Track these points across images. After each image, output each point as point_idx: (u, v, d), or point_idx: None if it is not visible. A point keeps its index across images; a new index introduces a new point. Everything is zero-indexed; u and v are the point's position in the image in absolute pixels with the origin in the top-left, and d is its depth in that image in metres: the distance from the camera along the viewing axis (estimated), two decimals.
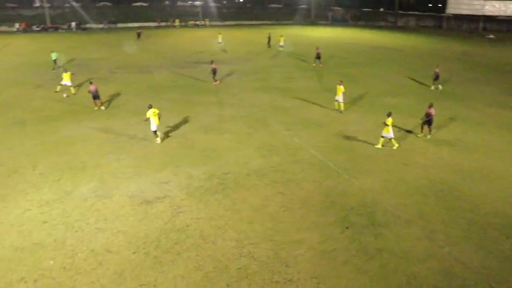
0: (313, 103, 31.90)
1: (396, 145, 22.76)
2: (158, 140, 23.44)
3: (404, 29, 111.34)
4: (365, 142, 23.62)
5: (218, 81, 38.78)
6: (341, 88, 28.67)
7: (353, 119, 28.05)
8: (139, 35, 74.17)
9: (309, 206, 16.69)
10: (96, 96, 29.64)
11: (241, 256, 13.61)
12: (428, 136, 24.46)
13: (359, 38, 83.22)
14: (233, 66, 48.09)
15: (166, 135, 24.56)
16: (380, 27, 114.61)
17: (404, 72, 45.76)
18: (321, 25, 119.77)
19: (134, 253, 13.70)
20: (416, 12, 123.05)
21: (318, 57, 48.34)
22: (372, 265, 13.18)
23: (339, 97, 29.07)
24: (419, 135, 24.63)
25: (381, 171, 20.00)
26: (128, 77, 41.77)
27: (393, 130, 22.37)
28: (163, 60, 52.78)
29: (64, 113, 29.01)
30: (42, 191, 17.76)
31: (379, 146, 22.78)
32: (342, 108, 29.63)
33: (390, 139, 22.46)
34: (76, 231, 14.85)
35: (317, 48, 49.26)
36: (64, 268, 12.92)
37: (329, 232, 14.99)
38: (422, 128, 24.70)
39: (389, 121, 21.96)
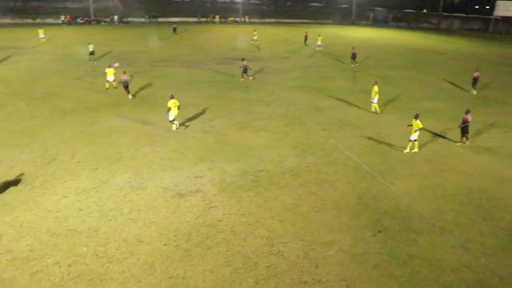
0: (350, 104, 31.57)
1: (407, 150, 22.31)
2: (174, 127, 24.78)
3: (447, 31, 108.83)
4: (402, 145, 23.18)
5: (251, 77, 39.31)
6: (374, 89, 28.57)
7: (390, 121, 27.61)
8: (174, 30, 75.67)
9: (341, 208, 16.54)
10: (126, 86, 30.74)
11: (271, 254, 13.61)
12: (467, 143, 23.79)
13: (399, 39, 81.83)
14: (271, 64, 48.10)
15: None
16: (422, 29, 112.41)
17: (445, 75, 44.71)
18: (361, 25, 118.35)
19: (165, 245, 13.90)
20: (461, 14, 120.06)
21: (353, 57, 48.42)
22: (403, 271, 12.96)
23: (374, 98, 28.89)
24: (457, 144, 23.94)
25: (417, 176, 19.62)
26: (168, 71, 42.39)
27: (419, 134, 21.91)
28: (202, 55, 53.25)
29: (104, 104, 29.68)
30: (79, 179, 18.22)
31: (416, 150, 22.38)
32: (378, 109, 29.41)
33: (409, 140, 22.12)
34: (110, 220, 15.18)
35: (353, 48, 49.28)
36: (96, 255, 13.23)
37: (361, 235, 14.82)
38: (461, 136, 23.88)
39: (417, 124, 21.47)
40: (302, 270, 12.86)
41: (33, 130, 24.00)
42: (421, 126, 21.47)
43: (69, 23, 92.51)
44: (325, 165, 20.53)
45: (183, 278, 12.36)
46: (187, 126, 25.35)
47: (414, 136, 21.73)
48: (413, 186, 18.61)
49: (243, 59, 39.40)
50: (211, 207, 16.32)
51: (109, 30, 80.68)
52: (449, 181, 19.28)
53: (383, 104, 31.02)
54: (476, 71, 36.84)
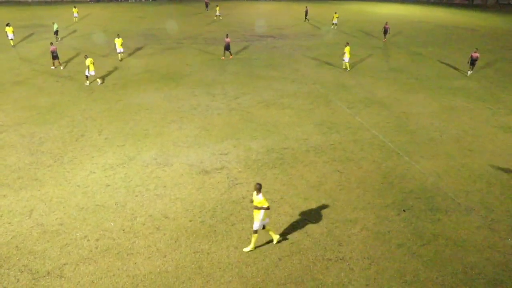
0: (378, 82, 31.10)
1: None
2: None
3: (482, 7, 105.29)
4: (429, 124, 22.82)
5: (231, 56, 38.68)
6: (348, 49, 33.12)
7: (417, 100, 27.13)
8: (206, 5, 76.18)
9: (366, 186, 16.47)
10: (55, 57, 32.09)
11: (295, 231, 13.69)
12: None
13: (430, 16, 79.65)
14: (297, 41, 47.62)
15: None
16: (454, 5, 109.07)
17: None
18: (391, 1, 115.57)
19: (190, 220, 14.10)
20: None
21: (385, 32, 48.75)
22: (427, 250, 12.88)
23: (346, 58, 33.55)
24: None
25: (443, 156, 19.33)
26: (194, 48, 42.43)
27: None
28: (228, 32, 52.89)
29: (130, 81, 29.97)
30: (107, 155, 18.57)
31: (250, 248, 12.74)
32: (348, 67, 34.28)
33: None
34: (137, 196, 15.47)
35: (386, 23, 49.27)
36: (123, 230, 13.53)
37: (385, 213, 14.76)
38: None
39: (260, 202, 11.97)
40: (325, 248, 12.91)
41: (61, 107, 24.46)
42: (266, 204, 11.91)
43: (97, 1, 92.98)
44: (350, 143, 20.40)
45: (208, 253, 12.56)
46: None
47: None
48: (439, 165, 18.36)
49: (227, 36, 38.54)
50: (236, 184, 16.45)
51: (137, 8, 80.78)
52: (477, 161, 18.94)
53: (411, 82, 30.50)
54: (475, 51, 33.86)
